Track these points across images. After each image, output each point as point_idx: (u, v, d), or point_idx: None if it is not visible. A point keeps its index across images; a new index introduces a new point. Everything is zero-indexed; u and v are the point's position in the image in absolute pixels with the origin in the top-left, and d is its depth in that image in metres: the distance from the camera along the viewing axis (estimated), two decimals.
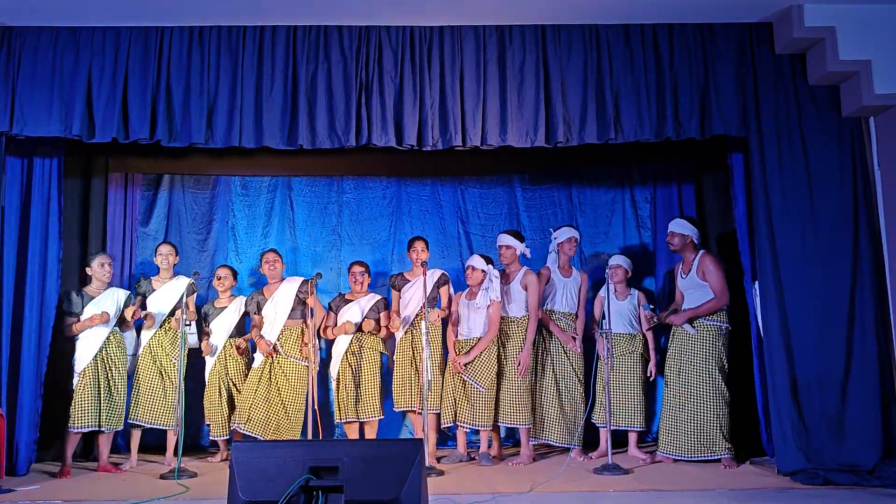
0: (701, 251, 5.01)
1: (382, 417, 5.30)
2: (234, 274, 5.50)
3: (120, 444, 5.44)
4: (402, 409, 5.27)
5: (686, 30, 4.72)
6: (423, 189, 6.24)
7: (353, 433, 5.25)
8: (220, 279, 5.41)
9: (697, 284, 4.93)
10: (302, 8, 4.54)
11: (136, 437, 5.09)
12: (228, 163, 5.86)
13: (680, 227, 5.05)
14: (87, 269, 5.04)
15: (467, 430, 5.10)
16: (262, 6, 4.52)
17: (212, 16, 4.62)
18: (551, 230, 5.47)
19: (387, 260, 6.12)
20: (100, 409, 4.80)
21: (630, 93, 4.65)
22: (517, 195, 6.23)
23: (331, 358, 5.39)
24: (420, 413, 5.07)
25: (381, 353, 5.39)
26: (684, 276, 5.04)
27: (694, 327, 4.90)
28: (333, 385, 5.31)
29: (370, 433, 5.26)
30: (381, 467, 2.69)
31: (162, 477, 4.60)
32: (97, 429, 4.80)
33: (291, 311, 5.26)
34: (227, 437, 5.23)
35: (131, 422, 5.04)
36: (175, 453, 4.91)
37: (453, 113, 4.65)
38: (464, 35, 4.72)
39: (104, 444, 4.90)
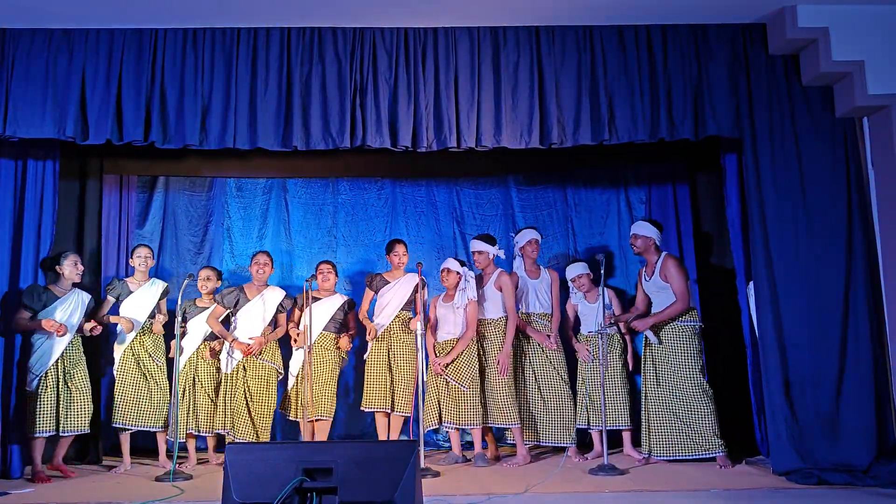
0: (664, 253, 4.98)
1: (329, 419, 5.21)
2: (219, 275, 5.40)
3: (105, 446, 5.37)
4: (372, 410, 5.23)
5: (680, 31, 4.73)
6: (419, 190, 6.24)
7: (308, 432, 5.14)
8: (203, 280, 5.31)
9: (660, 286, 4.90)
10: (296, 10, 4.54)
11: (125, 439, 5.03)
12: (223, 164, 5.85)
13: (642, 230, 5.00)
14: (57, 268, 4.86)
15: (456, 430, 5.10)
16: (256, 8, 4.52)
17: (206, 17, 4.62)
18: (511, 234, 5.49)
19: (382, 260, 6.12)
20: (57, 413, 4.68)
21: (624, 94, 4.66)
22: (512, 196, 6.24)
23: (290, 355, 5.31)
24: (388, 414, 5.19)
25: (343, 357, 5.37)
26: (648, 279, 5.01)
27: (658, 336, 4.86)
28: (290, 382, 5.24)
29: (320, 434, 5.18)
30: (375, 469, 2.69)
31: (157, 479, 4.59)
32: (56, 433, 4.68)
33: (271, 318, 5.25)
34: (183, 440, 5.13)
35: (118, 425, 4.99)
36: (168, 455, 4.88)
37: (448, 114, 4.65)
38: (458, 36, 4.73)
39: (62, 445, 4.77)
